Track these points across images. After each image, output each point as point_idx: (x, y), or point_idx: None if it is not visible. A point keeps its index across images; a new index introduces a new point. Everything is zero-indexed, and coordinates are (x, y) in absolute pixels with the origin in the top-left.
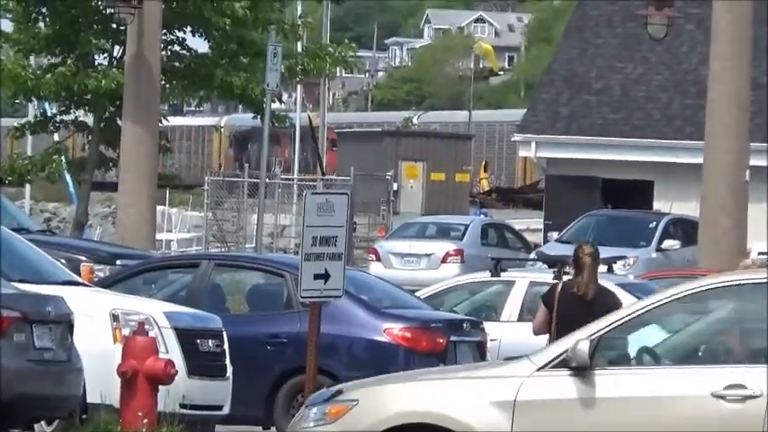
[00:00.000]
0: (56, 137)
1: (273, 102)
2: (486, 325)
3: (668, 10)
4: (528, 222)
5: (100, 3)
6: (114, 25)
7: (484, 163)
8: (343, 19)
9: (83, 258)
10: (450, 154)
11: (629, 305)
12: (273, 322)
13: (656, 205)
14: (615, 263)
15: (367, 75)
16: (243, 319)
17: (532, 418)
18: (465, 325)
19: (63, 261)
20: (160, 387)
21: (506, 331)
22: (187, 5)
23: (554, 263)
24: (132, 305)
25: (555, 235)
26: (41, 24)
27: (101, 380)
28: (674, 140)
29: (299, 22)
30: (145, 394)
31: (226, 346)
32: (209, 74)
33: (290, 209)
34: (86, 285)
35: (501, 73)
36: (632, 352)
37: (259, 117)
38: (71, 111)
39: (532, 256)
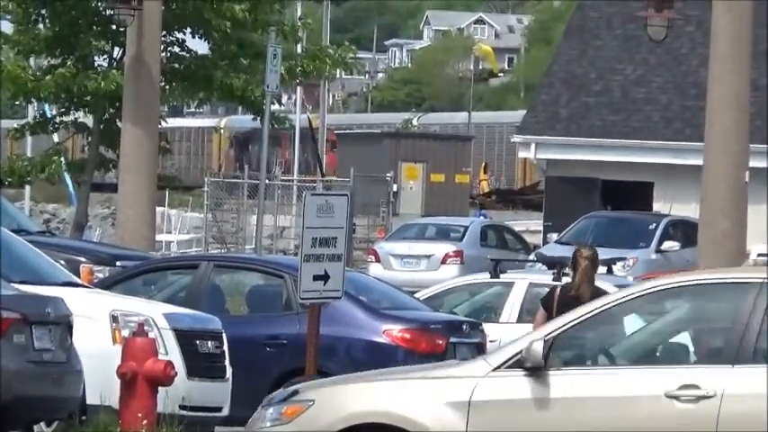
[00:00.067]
0: (55, 138)
1: (273, 104)
2: (486, 326)
3: (668, 12)
4: (527, 224)
5: (100, 4)
6: (114, 27)
7: (483, 164)
8: (342, 20)
9: (82, 259)
10: (450, 155)
11: (585, 305)
12: (273, 323)
13: (656, 207)
14: (615, 264)
15: (367, 76)
16: (242, 320)
17: (487, 418)
18: (464, 326)
19: (62, 262)
20: (159, 388)
21: (506, 332)
22: (187, 7)
23: (553, 264)
24: (132, 306)
25: (554, 236)
26: (41, 26)
27: (100, 381)
28: (673, 142)
29: (299, 24)
30: (144, 395)
31: (225, 347)
32: (208, 75)
33: (290, 210)
34: (86, 287)
35: (501, 74)
36: (587, 352)
37: (259, 119)
38: (71, 112)
39: (532, 257)
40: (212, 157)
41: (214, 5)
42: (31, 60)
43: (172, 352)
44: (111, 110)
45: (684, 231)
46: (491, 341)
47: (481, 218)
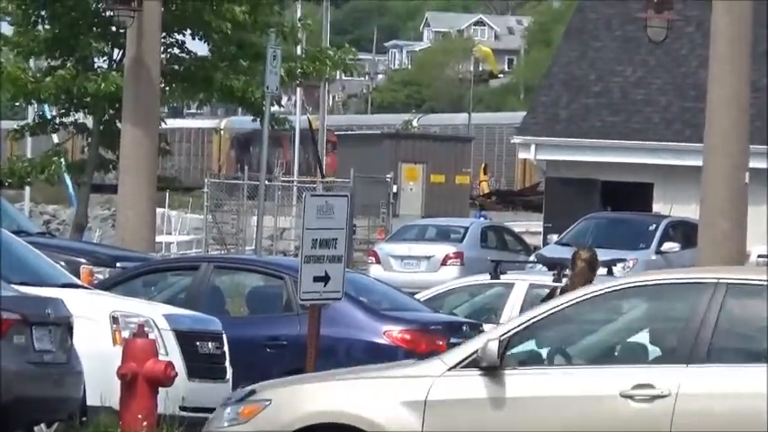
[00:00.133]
0: (55, 139)
1: (273, 105)
2: (486, 327)
3: (667, 13)
4: (528, 225)
5: (99, 5)
6: (114, 28)
7: (483, 165)
8: (342, 22)
9: (82, 261)
10: (450, 156)
11: (542, 305)
12: (273, 324)
13: (656, 208)
14: (615, 265)
15: (367, 77)
16: (242, 321)
17: (442, 417)
18: (464, 327)
19: (63, 263)
20: (160, 389)
21: None
22: (186, 8)
23: (554, 265)
24: (132, 307)
25: (554, 237)
26: (41, 27)
27: (100, 382)
28: (673, 143)
29: (299, 25)
30: (145, 396)
31: (226, 348)
32: (208, 77)
33: (290, 211)
34: (86, 288)
35: (500, 76)
36: (543, 352)
37: (258, 120)
38: (71, 113)
39: (532, 258)
40: (212, 159)
41: (214, 7)
42: (31, 62)
43: (172, 353)
44: (111, 111)
45: (684, 232)
46: None
47: (481, 219)
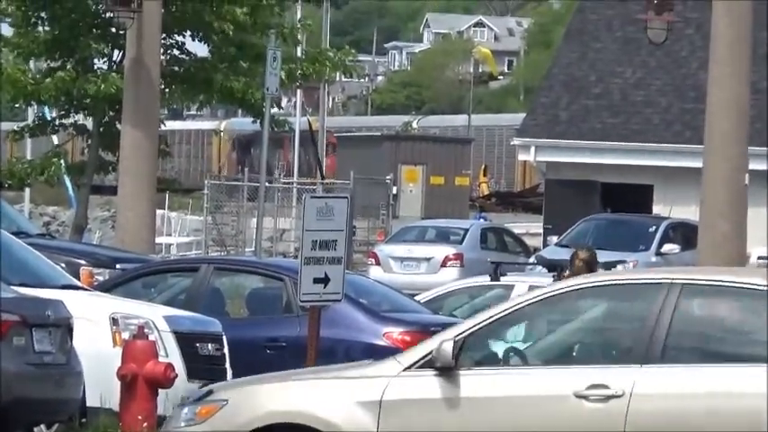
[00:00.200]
0: (55, 140)
1: (273, 107)
2: None
3: (668, 14)
4: (527, 226)
5: (99, 7)
6: (114, 29)
7: (483, 167)
8: (342, 23)
9: (82, 262)
10: (450, 158)
11: (498, 305)
12: (273, 326)
13: (656, 209)
14: (615, 267)
15: (366, 79)
16: (242, 322)
17: (398, 418)
18: None
19: (62, 265)
20: (160, 391)
21: None
22: (186, 10)
23: (553, 267)
24: (132, 309)
25: (554, 239)
26: (41, 29)
27: (100, 383)
28: (673, 144)
29: (299, 25)
30: (144, 398)
31: (225, 349)
32: (208, 78)
33: (290, 213)
34: (86, 289)
35: (500, 77)
36: (499, 352)
37: (258, 121)
38: (70, 115)
39: (532, 260)
40: (212, 160)
41: (214, 8)
42: (31, 63)
43: (172, 354)
44: (111, 112)
45: (684, 234)
46: None
47: (481, 220)
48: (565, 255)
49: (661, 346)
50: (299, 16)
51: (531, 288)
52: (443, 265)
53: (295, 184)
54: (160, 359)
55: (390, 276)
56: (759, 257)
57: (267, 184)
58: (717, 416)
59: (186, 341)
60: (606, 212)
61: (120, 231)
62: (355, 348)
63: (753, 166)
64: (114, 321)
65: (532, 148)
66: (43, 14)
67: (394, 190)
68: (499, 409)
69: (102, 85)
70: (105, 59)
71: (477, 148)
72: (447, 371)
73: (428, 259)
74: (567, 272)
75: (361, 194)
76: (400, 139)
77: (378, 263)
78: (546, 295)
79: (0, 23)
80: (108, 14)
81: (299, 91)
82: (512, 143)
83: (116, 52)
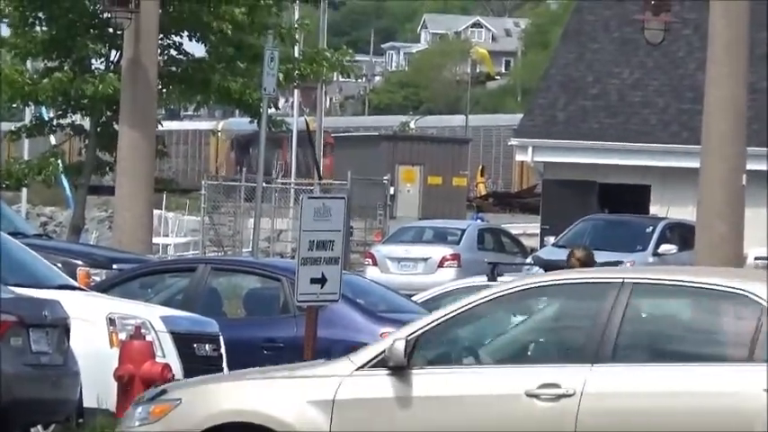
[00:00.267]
0: (52, 141)
1: (270, 107)
2: None
3: (665, 15)
4: (525, 227)
5: (97, 7)
6: (111, 30)
7: (481, 167)
8: (340, 24)
9: (79, 262)
10: (447, 158)
11: (451, 304)
12: (270, 326)
13: (653, 210)
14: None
15: (364, 79)
16: (240, 323)
17: (350, 417)
18: None
19: (59, 265)
20: None
21: None
22: (184, 10)
23: (551, 267)
24: (129, 309)
25: (551, 239)
26: (38, 29)
27: (97, 384)
28: (670, 145)
29: (296, 26)
30: None
31: (223, 350)
32: (206, 78)
33: (287, 213)
34: (83, 289)
35: (498, 77)
36: (452, 351)
37: (256, 122)
38: (68, 115)
39: (529, 260)
40: (209, 161)
41: (212, 8)
42: (28, 63)
43: (169, 355)
44: (109, 113)
45: (682, 234)
46: None
47: (478, 221)
48: (562, 255)
49: (612, 345)
50: (296, 16)
51: None
52: (440, 265)
53: (292, 185)
54: (157, 360)
55: (387, 277)
56: (756, 258)
57: (265, 184)
58: (666, 415)
59: (183, 342)
60: (603, 213)
61: (117, 232)
62: (352, 348)
63: (751, 166)
64: (111, 322)
65: (530, 149)
66: (40, 15)
67: (391, 190)
68: (451, 409)
69: (100, 86)
70: (103, 60)
71: (475, 149)
72: (399, 370)
73: (425, 260)
74: None
75: (359, 195)
76: (397, 139)
77: (375, 263)
78: (498, 294)
79: None
80: (105, 15)
81: (296, 91)
82: (509, 143)
83: (113, 52)
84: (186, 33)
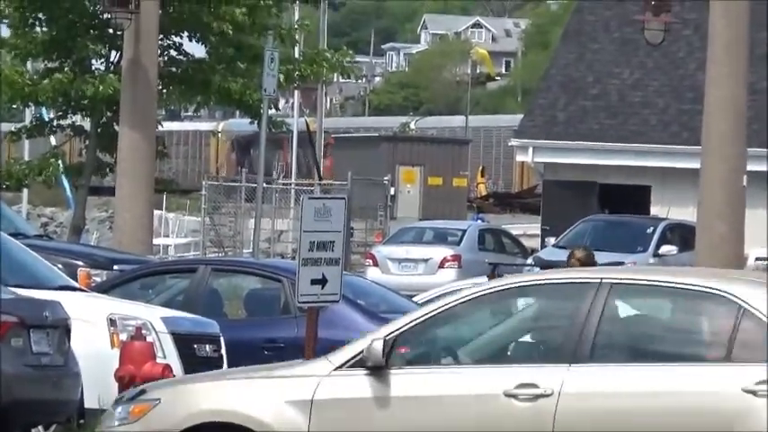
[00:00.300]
0: (53, 141)
1: (270, 108)
2: None
3: (665, 15)
4: (525, 227)
5: (97, 8)
6: (111, 30)
7: (481, 168)
8: (340, 24)
9: (80, 263)
10: (448, 159)
11: (429, 304)
12: (271, 327)
13: (654, 210)
14: None
15: (364, 80)
16: (240, 323)
17: (328, 417)
18: None
19: (60, 266)
20: None
21: None
22: (184, 10)
23: (551, 268)
24: (129, 310)
25: (552, 240)
26: (38, 29)
27: (98, 385)
28: (670, 145)
29: (297, 26)
30: None
31: (223, 351)
32: (206, 79)
33: (288, 213)
34: (83, 290)
35: (498, 78)
36: (430, 351)
37: (256, 122)
38: (68, 116)
39: (530, 261)
40: (210, 161)
41: (212, 9)
42: (28, 64)
43: (170, 356)
44: (109, 113)
45: (682, 235)
46: None
47: (479, 222)
48: (562, 256)
49: (590, 345)
50: (296, 17)
51: None
52: (441, 266)
53: (293, 186)
54: (158, 360)
55: (388, 277)
56: (757, 259)
57: (265, 185)
58: (644, 415)
59: (184, 342)
60: (604, 213)
61: (117, 232)
62: None
63: (751, 167)
64: (112, 323)
65: (530, 149)
66: (41, 15)
67: (392, 191)
68: (429, 409)
69: (100, 87)
70: (103, 60)
71: (475, 150)
72: (378, 370)
73: (426, 260)
74: None
75: (359, 195)
76: (398, 140)
77: (375, 264)
78: (477, 294)
79: None
80: (105, 15)
81: (296, 92)
82: (509, 144)
83: (113, 53)
84: (186, 34)
